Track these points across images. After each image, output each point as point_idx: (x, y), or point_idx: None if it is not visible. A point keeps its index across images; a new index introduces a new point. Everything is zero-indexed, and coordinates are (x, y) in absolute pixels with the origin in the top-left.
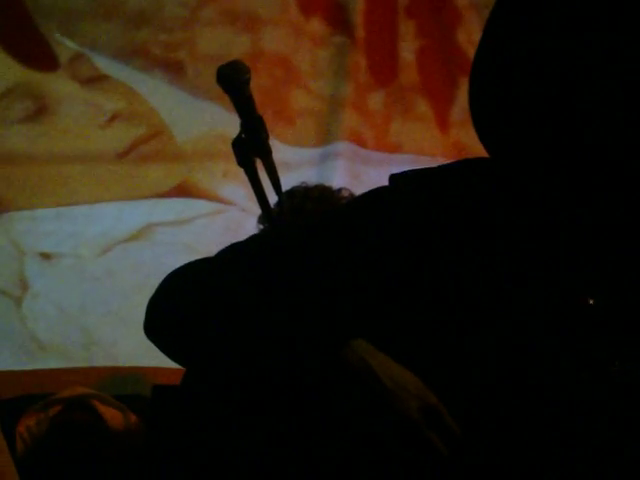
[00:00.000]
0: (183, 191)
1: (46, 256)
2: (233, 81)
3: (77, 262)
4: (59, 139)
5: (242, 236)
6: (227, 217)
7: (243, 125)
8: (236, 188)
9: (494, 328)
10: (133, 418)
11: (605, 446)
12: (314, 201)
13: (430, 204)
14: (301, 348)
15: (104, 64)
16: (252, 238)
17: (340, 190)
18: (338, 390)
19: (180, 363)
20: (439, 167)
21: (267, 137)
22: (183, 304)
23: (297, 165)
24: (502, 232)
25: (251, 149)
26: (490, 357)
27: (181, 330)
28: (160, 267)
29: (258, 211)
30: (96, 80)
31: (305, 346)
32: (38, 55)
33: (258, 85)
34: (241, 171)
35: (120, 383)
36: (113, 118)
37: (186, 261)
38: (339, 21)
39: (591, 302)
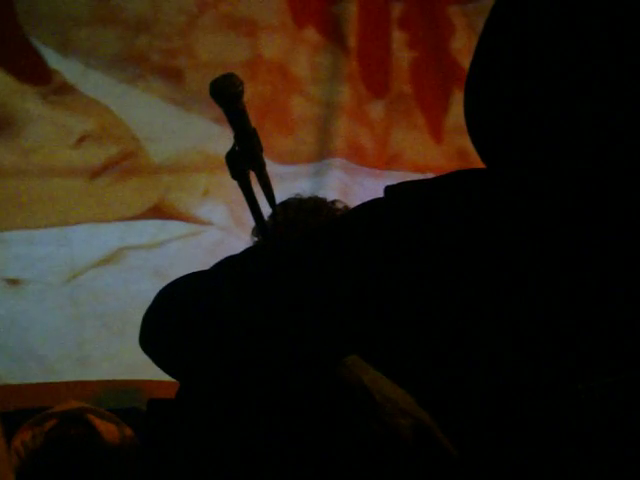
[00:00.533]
0: (158, 212)
1: (13, 282)
2: (226, 94)
3: (43, 288)
4: (27, 158)
5: (219, 257)
6: (203, 239)
7: (237, 138)
8: (215, 207)
9: (489, 342)
10: (128, 432)
11: (577, 464)
12: (308, 213)
13: (426, 217)
14: (295, 363)
15: (94, 77)
16: (247, 251)
17: (334, 202)
18: (330, 406)
19: (175, 376)
20: (434, 179)
21: (261, 150)
22: (178, 317)
23: (291, 177)
24: (497, 244)
25: (245, 162)
26: (481, 375)
27: (176, 343)
28: (129, 294)
29: (237, 229)
30: (66, 97)
31: (299, 362)
32: (30, 68)
33: (254, 93)
34: (223, 188)
35: (115, 397)
36: (83, 138)
37: (157, 287)
38: (332, 31)
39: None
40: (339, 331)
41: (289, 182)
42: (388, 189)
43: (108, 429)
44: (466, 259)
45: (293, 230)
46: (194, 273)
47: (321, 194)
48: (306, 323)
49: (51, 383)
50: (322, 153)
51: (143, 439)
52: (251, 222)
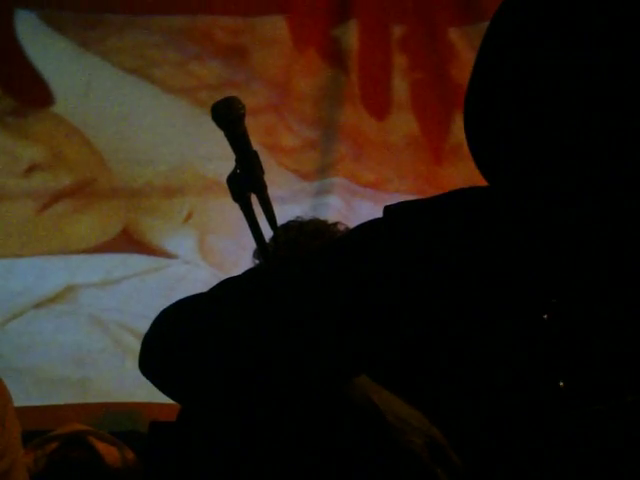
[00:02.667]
0: (122, 243)
1: None
2: (228, 118)
3: None
4: None
5: (181, 294)
6: (163, 275)
7: (238, 161)
8: (186, 236)
9: (493, 361)
10: (130, 454)
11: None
12: (309, 235)
13: (425, 238)
14: (304, 383)
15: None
16: (247, 272)
17: (335, 224)
18: (341, 426)
19: (176, 399)
20: (433, 198)
21: (262, 173)
22: (178, 340)
23: (292, 199)
24: (498, 262)
25: (246, 185)
26: (485, 390)
27: (177, 366)
28: (72, 338)
29: (203, 262)
30: (22, 120)
31: (307, 382)
32: (31, 90)
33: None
34: (206, 213)
35: (117, 419)
36: (32, 167)
37: (107, 333)
38: (333, 54)
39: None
40: (343, 352)
41: (290, 204)
42: (387, 209)
43: (109, 452)
44: (468, 279)
45: (294, 253)
46: (193, 296)
47: (322, 214)
48: (310, 345)
49: (52, 406)
50: (323, 174)
51: (144, 462)
52: (219, 255)
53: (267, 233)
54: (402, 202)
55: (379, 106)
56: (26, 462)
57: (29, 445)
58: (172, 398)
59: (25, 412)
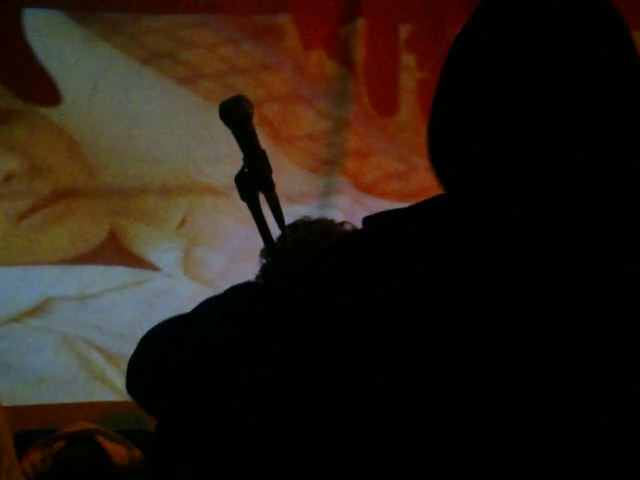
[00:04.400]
0: (101, 254)
1: None
2: (236, 116)
3: None
4: None
5: (163, 310)
6: (143, 289)
7: (246, 160)
8: (168, 249)
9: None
10: (137, 453)
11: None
12: (317, 235)
13: (403, 250)
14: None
15: (103, 97)
16: (229, 294)
17: (342, 224)
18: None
19: (161, 419)
20: (411, 208)
21: (270, 172)
22: (162, 364)
23: (299, 198)
24: (471, 272)
25: (254, 183)
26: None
27: (160, 389)
28: (39, 362)
29: (185, 277)
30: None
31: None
32: (38, 88)
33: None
34: (200, 219)
35: (124, 418)
36: (9, 177)
37: (85, 353)
38: (340, 53)
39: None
40: (320, 378)
41: (297, 202)
42: (366, 221)
43: (117, 450)
44: (445, 290)
45: (301, 252)
46: (176, 317)
47: (329, 214)
48: (288, 371)
49: (60, 404)
50: (330, 174)
51: (152, 461)
52: (203, 269)
53: (275, 232)
54: (380, 214)
55: (386, 105)
56: (33, 461)
57: (36, 444)
58: (157, 418)
59: (32, 410)
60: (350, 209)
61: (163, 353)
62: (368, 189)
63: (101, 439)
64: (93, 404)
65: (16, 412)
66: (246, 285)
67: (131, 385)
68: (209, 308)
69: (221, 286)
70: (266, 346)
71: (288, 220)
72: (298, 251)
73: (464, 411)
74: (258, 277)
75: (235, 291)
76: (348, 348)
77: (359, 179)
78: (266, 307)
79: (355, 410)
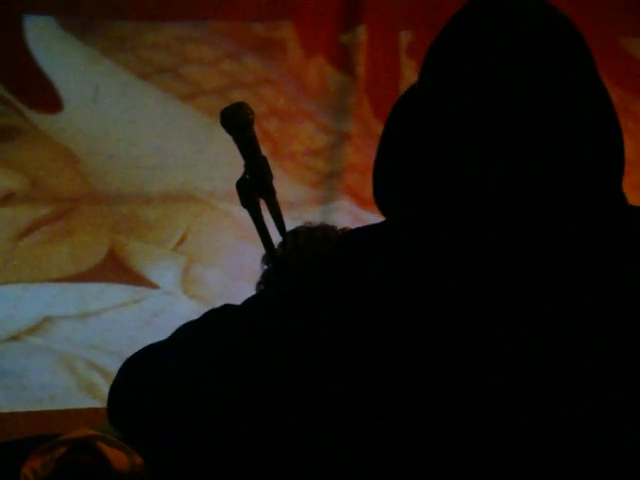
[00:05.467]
0: (100, 271)
1: None
2: (237, 123)
3: None
4: None
5: (161, 328)
6: (142, 308)
7: (247, 166)
8: (167, 267)
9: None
10: (138, 460)
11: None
12: (318, 241)
13: (377, 273)
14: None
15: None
16: (208, 319)
17: (343, 230)
18: None
19: (145, 447)
20: (389, 225)
21: (271, 178)
22: (140, 394)
23: (300, 204)
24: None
25: (255, 190)
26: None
27: (141, 419)
28: (42, 377)
29: (184, 296)
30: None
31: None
32: (40, 95)
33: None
34: (200, 235)
35: None
36: (9, 196)
37: (84, 371)
38: (341, 60)
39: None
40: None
41: (298, 209)
42: (341, 242)
43: (118, 457)
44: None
45: (302, 258)
46: (154, 345)
47: (330, 221)
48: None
49: (61, 410)
50: (331, 180)
51: (153, 467)
52: (202, 287)
53: (276, 239)
54: (354, 232)
55: (387, 112)
56: (34, 467)
57: (37, 450)
58: (142, 446)
59: (33, 417)
60: (350, 224)
61: (141, 384)
62: (369, 204)
63: (102, 445)
64: (95, 410)
65: (17, 418)
66: (222, 308)
67: (113, 415)
68: (186, 334)
69: (219, 304)
70: (242, 368)
71: (288, 228)
72: (299, 257)
73: (457, 417)
74: (259, 283)
75: (211, 315)
76: (324, 358)
77: (359, 194)
78: (239, 330)
79: (344, 420)
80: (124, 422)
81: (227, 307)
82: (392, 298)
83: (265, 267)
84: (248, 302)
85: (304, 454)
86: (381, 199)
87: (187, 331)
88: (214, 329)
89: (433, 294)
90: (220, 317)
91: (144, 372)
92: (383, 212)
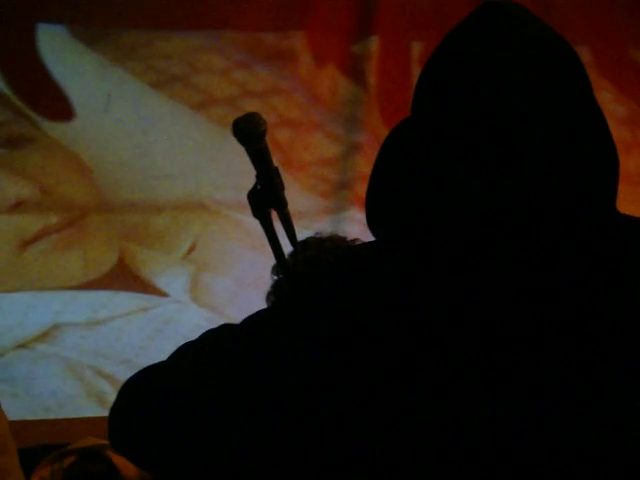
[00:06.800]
0: (110, 279)
1: None
2: (249, 134)
3: None
4: None
5: (169, 336)
6: (151, 316)
7: (259, 177)
8: (177, 275)
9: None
10: None
11: None
12: (328, 252)
13: (378, 294)
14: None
15: (120, 109)
16: (206, 341)
17: (354, 241)
18: None
19: (148, 471)
20: (376, 247)
21: (283, 189)
22: (138, 420)
23: (311, 214)
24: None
25: (267, 201)
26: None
27: (139, 444)
28: (50, 384)
29: (193, 304)
30: (15, 152)
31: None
32: (52, 104)
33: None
34: (211, 244)
35: None
36: (20, 203)
37: (92, 379)
38: (353, 70)
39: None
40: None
41: (309, 219)
42: (341, 256)
43: (127, 466)
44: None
45: (313, 268)
46: (154, 367)
47: (341, 230)
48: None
49: (70, 419)
50: (342, 190)
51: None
52: (212, 296)
53: (287, 249)
54: (355, 248)
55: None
56: (43, 475)
57: (46, 459)
58: (145, 470)
59: (42, 425)
60: (361, 234)
61: (139, 410)
62: None
63: (111, 454)
64: (103, 419)
65: (26, 427)
66: (220, 329)
67: (114, 438)
68: (184, 357)
69: (228, 312)
70: (240, 394)
71: (298, 237)
72: (309, 268)
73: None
74: (269, 294)
75: (210, 337)
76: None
77: None
78: (237, 350)
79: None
80: (123, 447)
81: (225, 328)
82: (377, 339)
83: (275, 277)
84: (246, 323)
85: None
86: (374, 226)
87: (185, 353)
88: (212, 352)
89: (426, 340)
90: (218, 339)
91: (141, 397)
92: (375, 237)
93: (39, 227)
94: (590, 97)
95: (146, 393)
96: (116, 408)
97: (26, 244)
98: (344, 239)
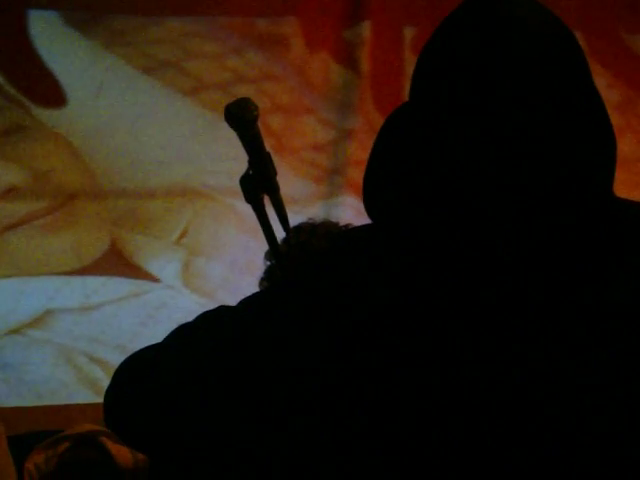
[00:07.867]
0: (102, 263)
1: None
2: (241, 119)
3: None
4: None
5: (162, 321)
6: (143, 301)
7: (251, 162)
8: (169, 260)
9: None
10: (141, 455)
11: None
12: (321, 237)
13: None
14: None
15: (110, 96)
16: (202, 322)
17: (347, 226)
18: None
19: (144, 452)
20: (374, 228)
21: (275, 174)
22: (134, 401)
23: (303, 199)
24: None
25: (259, 186)
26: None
27: (135, 426)
28: (43, 370)
29: (185, 290)
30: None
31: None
32: (44, 90)
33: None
34: (201, 232)
35: None
36: (11, 190)
37: (84, 365)
38: (345, 56)
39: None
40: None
41: (301, 204)
42: (337, 238)
43: (121, 452)
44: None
45: (305, 254)
46: (148, 349)
47: (333, 216)
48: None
49: (63, 405)
50: (334, 176)
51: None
52: (204, 281)
53: (279, 234)
54: (352, 230)
55: (392, 108)
56: (37, 462)
57: (40, 445)
58: (137, 450)
59: (35, 412)
60: (353, 220)
61: (134, 391)
62: None
63: (105, 440)
64: (96, 405)
65: (19, 413)
66: (216, 310)
67: (109, 420)
68: (180, 338)
69: (221, 297)
70: (236, 373)
71: (291, 223)
72: (302, 253)
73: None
74: (262, 279)
75: (206, 318)
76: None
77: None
78: (234, 333)
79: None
80: (119, 428)
81: (222, 309)
82: (379, 325)
83: (268, 263)
84: (243, 304)
85: (298, 459)
86: (371, 210)
87: (181, 334)
88: (208, 333)
89: (423, 324)
90: (214, 320)
91: (137, 378)
92: (372, 220)
93: (31, 213)
94: (588, 80)
95: (142, 374)
96: (112, 389)
97: (17, 230)
98: (337, 224)
